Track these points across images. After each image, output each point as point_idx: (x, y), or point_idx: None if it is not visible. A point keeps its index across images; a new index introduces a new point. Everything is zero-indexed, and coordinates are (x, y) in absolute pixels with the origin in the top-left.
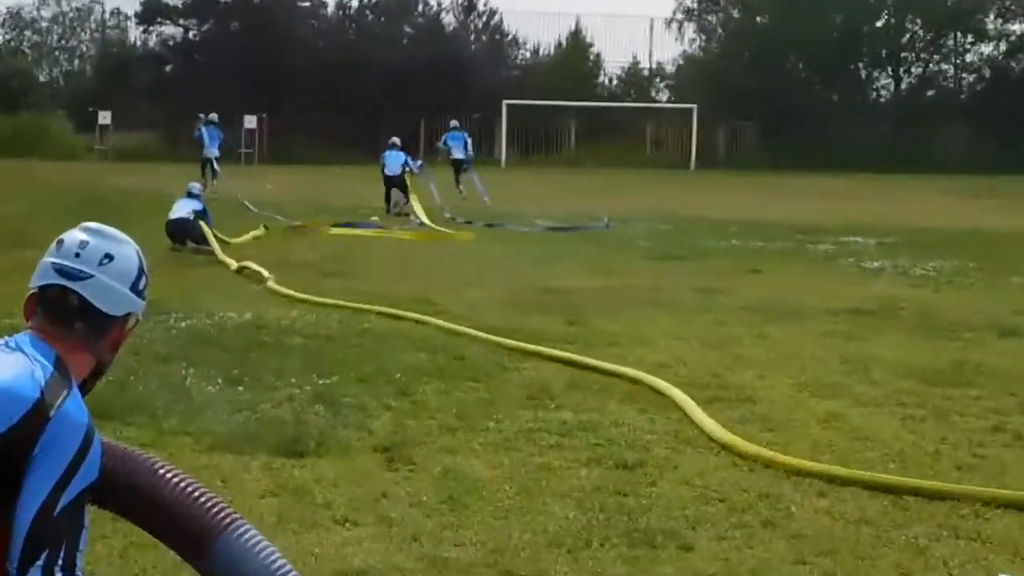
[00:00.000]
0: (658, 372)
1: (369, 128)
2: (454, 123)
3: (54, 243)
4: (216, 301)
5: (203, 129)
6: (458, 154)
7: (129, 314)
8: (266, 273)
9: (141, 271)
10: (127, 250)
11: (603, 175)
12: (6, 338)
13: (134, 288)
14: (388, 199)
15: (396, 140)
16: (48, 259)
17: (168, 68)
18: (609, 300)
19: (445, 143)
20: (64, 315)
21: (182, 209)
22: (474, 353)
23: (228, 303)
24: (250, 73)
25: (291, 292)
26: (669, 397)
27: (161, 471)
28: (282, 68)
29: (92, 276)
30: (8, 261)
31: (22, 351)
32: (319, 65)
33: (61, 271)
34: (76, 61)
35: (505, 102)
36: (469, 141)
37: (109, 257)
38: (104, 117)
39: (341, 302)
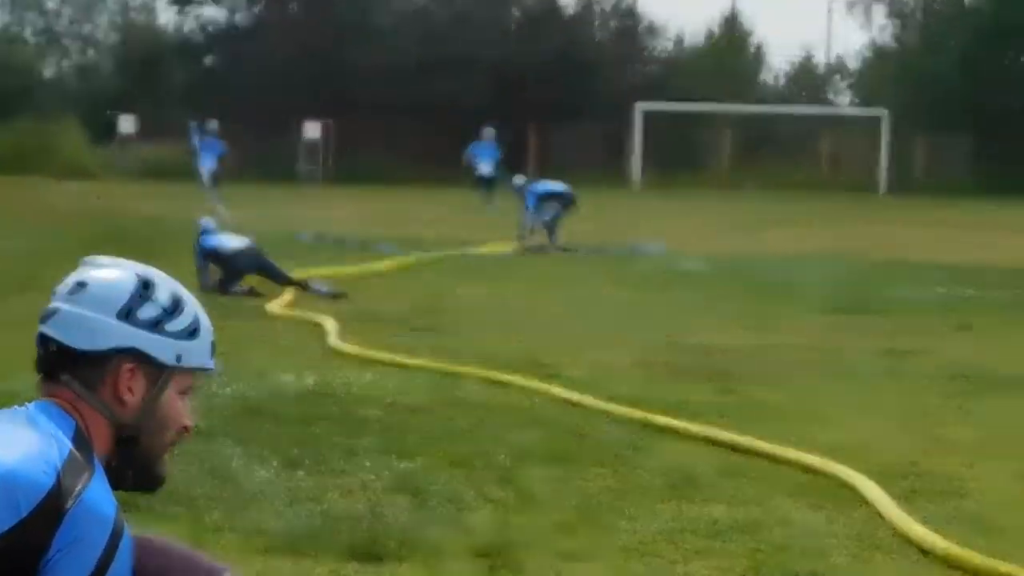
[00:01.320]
0: (837, 457)
1: (464, 139)
2: (488, 130)
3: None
4: (268, 361)
5: (196, 140)
6: (486, 169)
7: (124, 352)
8: (328, 326)
9: (140, 297)
10: (111, 274)
11: (766, 201)
12: (16, 407)
13: (126, 316)
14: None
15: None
16: None
17: (208, 61)
18: (770, 362)
19: (472, 155)
20: (46, 366)
21: (235, 239)
22: (599, 430)
23: (284, 363)
24: (312, 68)
25: (363, 350)
26: (853, 489)
27: (203, 568)
28: (352, 62)
29: (57, 310)
30: (3, 310)
31: (35, 424)
32: (400, 59)
33: (41, 316)
34: (91, 52)
35: (639, 106)
36: (495, 149)
37: (81, 285)
38: (126, 123)
39: (428, 363)
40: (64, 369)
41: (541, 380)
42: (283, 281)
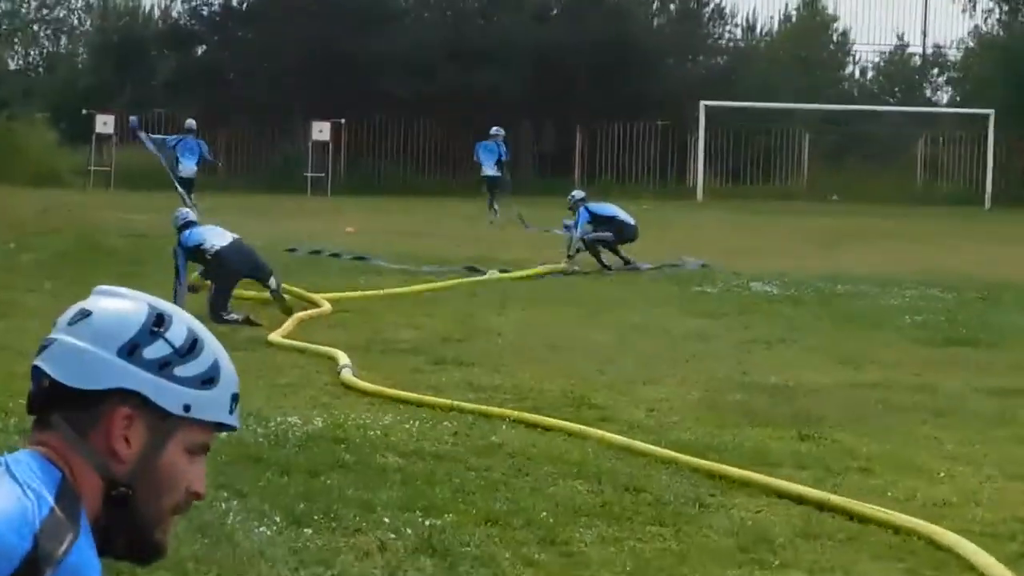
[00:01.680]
0: (935, 515)
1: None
2: (495, 130)
3: None
4: (270, 399)
5: (173, 141)
6: (489, 170)
7: (123, 395)
8: (340, 358)
9: (150, 332)
10: (120, 305)
11: (853, 214)
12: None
13: (129, 353)
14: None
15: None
16: None
17: (200, 51)
18: (858, 404)
19: (477, 156)
20: (36, 405)
21: (222, 233)
22: (658, 483)
23: (288, 402)
24: (322, 60)
25: (380, 387)
26: (955, 553)
27: None
28: (369, 52)
29: (54, 341)
30: None
31: (13, 476)
32: (424, 49)
33: (39, 348)
34: (64, 40)
35: (704, 104)
36: (503, 150)
37: (84, 313)
38: (104, 123)
39: (457, 402)
40: (55, 408)
41: (590, 423)
42: (276, 291)
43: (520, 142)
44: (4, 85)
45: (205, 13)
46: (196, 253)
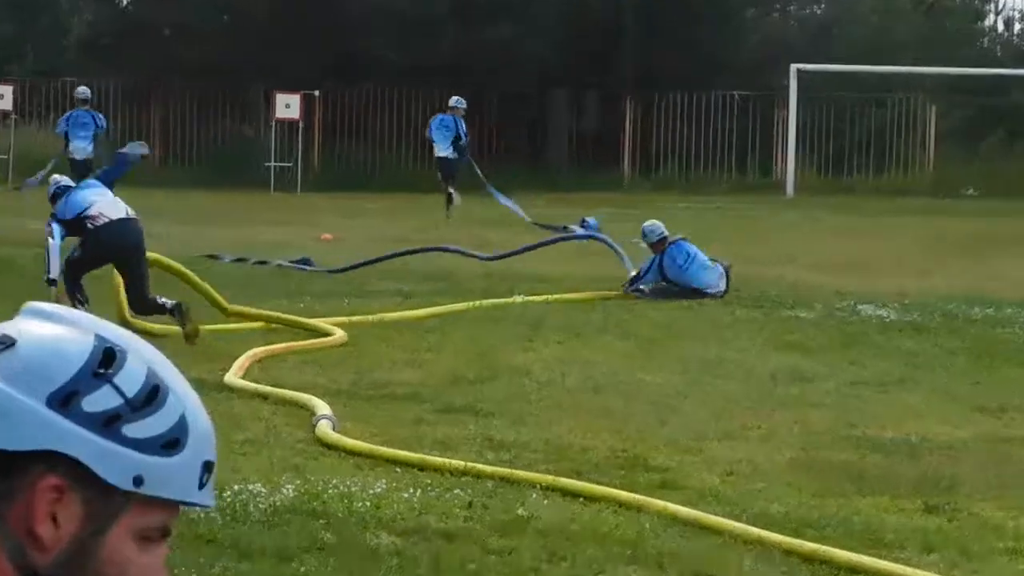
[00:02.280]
0: None
1: (522, 119)
2: (455, 101)
3: None
4: (225, 461)
5: (63, 123)
6: (444, 150)
7: (51, 459)
8: (317, 406)
9: (94, 375)
10: (56, 332)
11: (997, 213)
12: None
13: (63, 403)
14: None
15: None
16: None
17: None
18: (1003, 465)
19: (430, 131)
20: None
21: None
22: (738, 569)
23: (249, 464)
24: (289, 13)
25: (371, 445)
26: None
27: None
28: (352, 5)
29: None
30: None
31: None
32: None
33: None
34: None
35: (795, 68)
36: (463, 128)
37: (6, 344)
38: (2, 95)
39: (472, 464)
40: None
41: (647, 491)
42: (148, 304)
43: (551, 119)
44: None
45: None
46: (76, 224)
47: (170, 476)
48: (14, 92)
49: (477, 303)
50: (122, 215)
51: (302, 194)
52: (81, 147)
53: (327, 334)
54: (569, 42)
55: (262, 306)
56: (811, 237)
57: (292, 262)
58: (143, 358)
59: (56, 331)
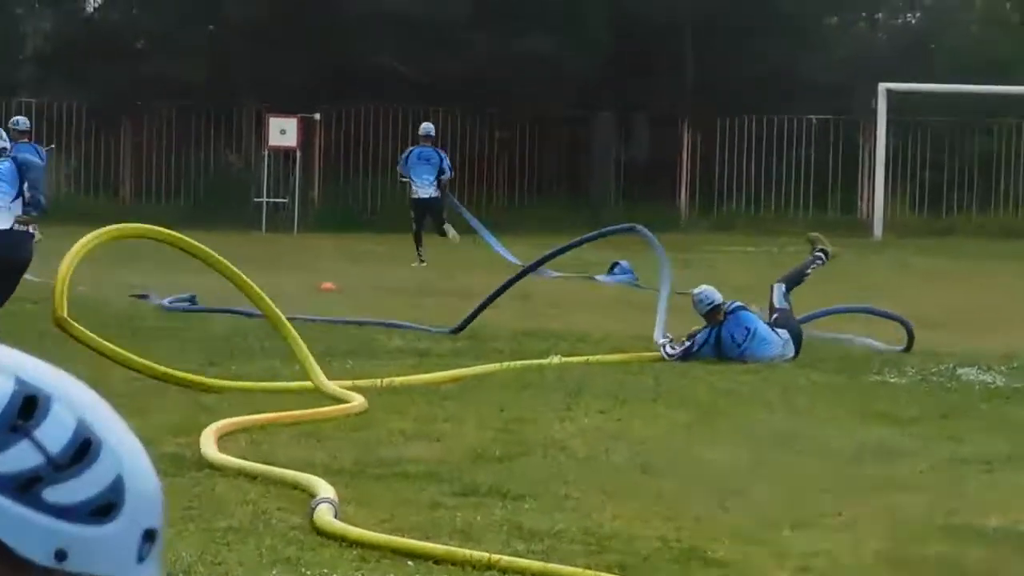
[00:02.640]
0: None
1: (561, 145)
2: (425, 128)
3: None
4: (205, 551)
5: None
6: (425, 190)
7: None
8: (321, 489)
9: (12, 427)
10: None
11: None
12: None
13: None
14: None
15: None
16: None
17: (91, 5)
18: None
19: (405, 166)
20: None
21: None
22: None
23: (233, 556)
24: (284, 21)
25: (378, 535)
26: None
27: None
28: (356, 12)
29: None
30: None
31: None
32: (439, 6)
33: None
34: None
35: (884, 87)
36: (447, 161)
37: None
38: None
39: (498, 556)
40: None
41: None
42: None
43: (595, 146)
44: None
45: None
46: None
47: (101, 548)
48: None
49: (505, 365)
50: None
51: (299, 234)
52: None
53: (341, 400)
54: (617, 57)
55: (251, 366)
56: (902, 286)
57: (172, 302)
58: (73, 405)
59: None
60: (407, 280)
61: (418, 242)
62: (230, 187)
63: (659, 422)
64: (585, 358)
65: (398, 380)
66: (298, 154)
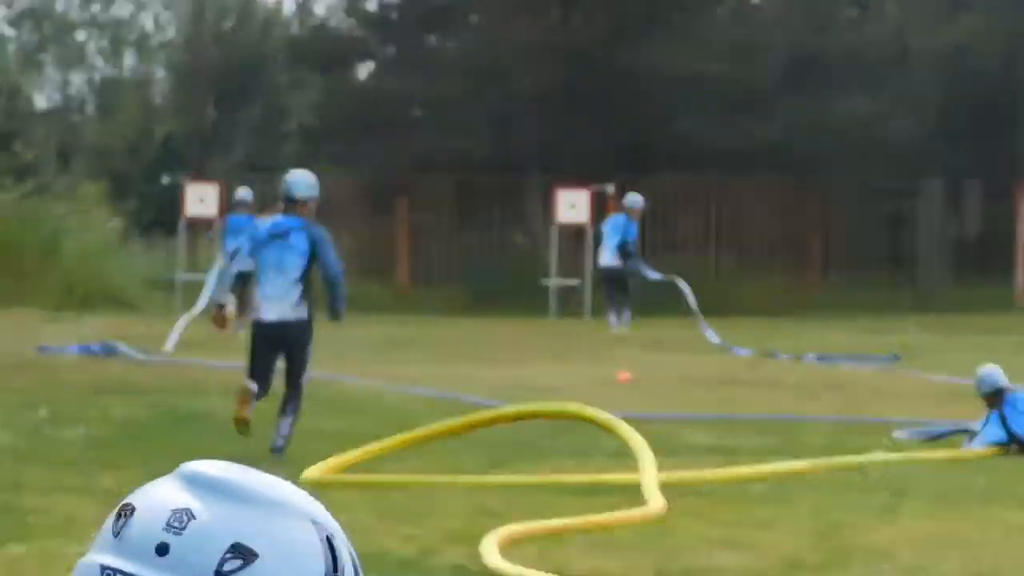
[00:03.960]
0: None
1: (880, 218)
2: (632, 201)
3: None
4: None
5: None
6: (608, 258)
7: None
8: None
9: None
10: (286, 533)
11: None
12: None
13: None
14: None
15: None
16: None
17: (363, 70)
18: None
19: (602, 232)
20: None
21: None
22: None
23: None
24: (575, 82)
25: None
26: None
27: None
28: (652, 68)
29: None
30: None
31: None
32: (746, 55)
33: None
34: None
35: None
36: (633, 232)
37: (243, 558)
38: (201, 199)
39: None
40: None
41: None
42: None
43: (921, 218)
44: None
45: (374, 7)
46: None
47: None
48: (220, 194)
49: (820, 462)
50: None
51: (594, 319)
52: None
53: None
54: (947, 120)
55: (541, 465)
56: None
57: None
58: (343, 540)
59: (282, 528)
60: (703, 370)
61: (616, 310)
62: (515, 269)
63: (994, 526)
64: (911, 454)
65: (703, 474)
66: (590, 230)
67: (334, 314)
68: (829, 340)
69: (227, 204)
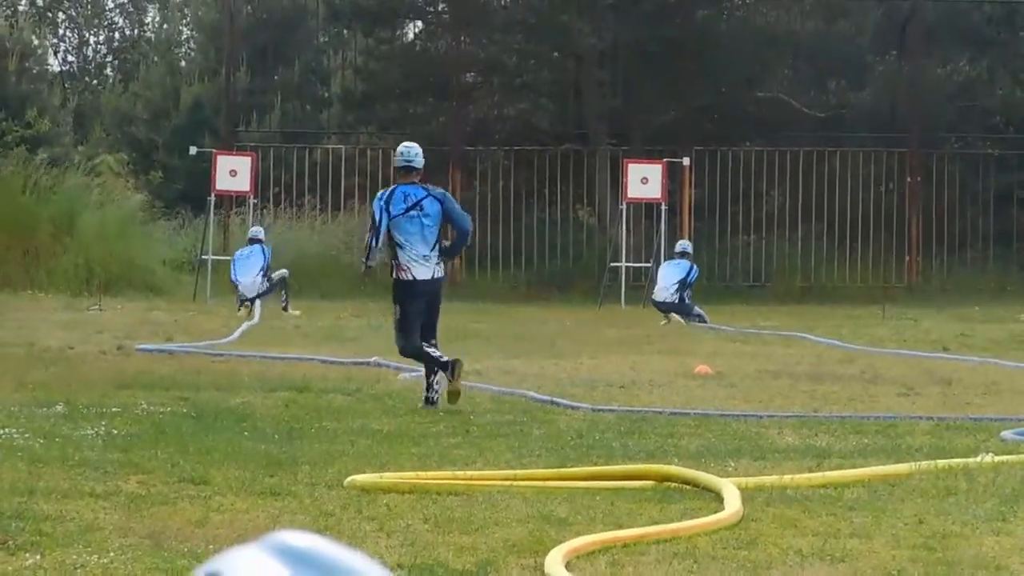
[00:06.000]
0: None
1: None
2: (683, 246)
3: None
4: None
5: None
6: (666, 293)
7: None
8: None
9: None
10: None
11: None
12: None
13: None
14: None
15: None
16: None
17: (410, 31)
18: None
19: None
20: None
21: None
22: None
23: None
24: (642, 44)
25: None
26: None
27: None
28: (738, 39)
29: None
30: None
31: None
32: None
33: None
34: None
35: None
36: (693, 275)
37: None
38: (232, 171)
39: None
40: None
41: None
42: None
43: None
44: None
45: None
46: None
47: None
48: (252, 167)
49: (922, 464)
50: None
51: None
52: (246, 283)
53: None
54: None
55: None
56: None
57: None
58: None
59: None
60: (793, 361)
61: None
62: (580, 250)
63: None
64: (1021, 457)
65: (789, 479)
66: (663, 207)
67: (450, 254)
68: (928, 329)
69: (257, 178)
